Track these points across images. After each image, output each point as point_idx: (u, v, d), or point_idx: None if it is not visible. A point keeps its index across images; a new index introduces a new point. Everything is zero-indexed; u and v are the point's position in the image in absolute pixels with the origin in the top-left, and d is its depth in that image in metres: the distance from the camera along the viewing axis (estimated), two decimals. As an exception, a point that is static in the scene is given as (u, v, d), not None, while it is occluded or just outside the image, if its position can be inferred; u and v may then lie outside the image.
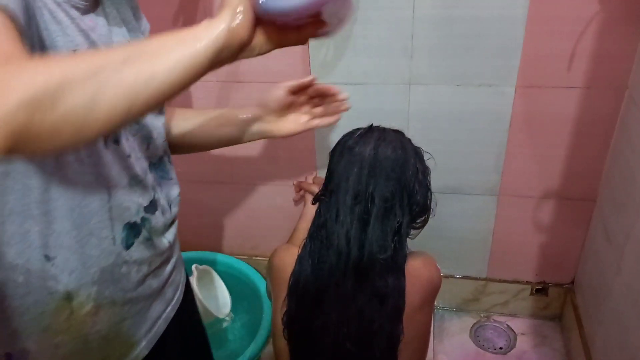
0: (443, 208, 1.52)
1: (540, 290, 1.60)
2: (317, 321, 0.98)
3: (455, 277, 1.65)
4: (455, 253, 1.61)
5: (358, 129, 1.04)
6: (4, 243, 0.67)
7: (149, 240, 0.79)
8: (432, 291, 1.00)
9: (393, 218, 0.95)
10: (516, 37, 1.22)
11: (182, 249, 1.74)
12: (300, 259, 0.99)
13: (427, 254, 1.07)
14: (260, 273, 1.58)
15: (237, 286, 1.55)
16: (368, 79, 1.35)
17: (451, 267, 1.64)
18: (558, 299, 1.61)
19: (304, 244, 1.00)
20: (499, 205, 1.48)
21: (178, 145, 0.96)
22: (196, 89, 1.45)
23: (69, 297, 0.72)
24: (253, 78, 1.40)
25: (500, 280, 1.62)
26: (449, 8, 1.22)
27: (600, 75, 1.24)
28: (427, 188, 1.00)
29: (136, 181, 0.76)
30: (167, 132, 0.90)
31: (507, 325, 1.65)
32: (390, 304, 0.95)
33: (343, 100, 1.03)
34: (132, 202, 0.76)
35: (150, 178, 0.80)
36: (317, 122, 1.01)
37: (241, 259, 1.74)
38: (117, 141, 0.73)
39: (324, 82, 1.35)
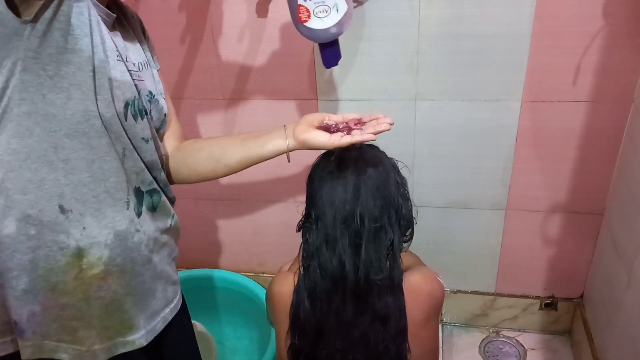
0: (450, 223, 1.52)
1: (550, 304, 1.59)
2: (323, 352, 0.96)
3: (464, 292, 1.64)
4: (463, 268, 1.60)
5: (332, 151, 0.94)
6: (18, 190, 0.69)
7: (155, 212, 0.83)
8: (435, 306, 0.99)
9: (384, 237, 0.93)
10: (521, 52, 1.23)
11: (188, 267, 1.77)
12: (297, 291, 0.97)
13: (428, 269, 1.05)
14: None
15: (244, 302, 1.55)
16: (374, 95, 1.36)
17: (459, 282, 1.63)
18: (567, 314, 1.60)
19: (299, 275, 0.98)
20: (507, 219, 1.48)
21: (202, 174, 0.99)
22: (202, 107, 1.46)
23: (79, 254, 0.74)
24: (260, 96, 1.41)
25: (508, 295, 1.61)
26: (454, 25, 1.23)
27: (605, 89, 1.24)
28: (408, 199, 0.98)
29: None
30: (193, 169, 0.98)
31: (517, 341, 1.64)
32: (393, 325, 0.93)
33: (385, 121, 0.92)
34: (147, 172, 0.81)
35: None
36: (349, 138, 0.89)
37: (248, 276, 1.73)
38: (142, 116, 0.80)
39: (329, 98, 1.38)
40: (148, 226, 0.82)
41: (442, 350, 1.62)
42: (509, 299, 1.62)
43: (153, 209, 0.83)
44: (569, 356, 1.58)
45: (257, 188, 1.58)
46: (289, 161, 0.95)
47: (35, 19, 0.64)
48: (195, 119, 1.48)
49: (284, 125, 0.95)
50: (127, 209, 0.77)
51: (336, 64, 0.99)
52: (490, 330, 1.68)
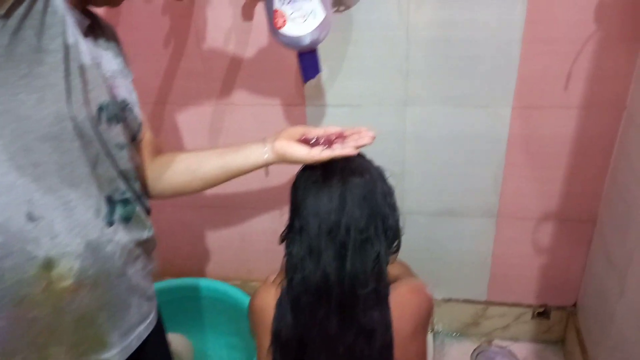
0: (441, 230, 1.50)
1: (542, 313, 1.57)
2: None
3: (455, 301, 1.61)
4: (454, 276, 1.57)
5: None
6: None
7: (128, 223, 0.79)
8: (423, 319, 0.95)
9: (370, 248, 0.89)
10: (512, 57, 1.21)
11: (175, 275, 1.74)
12: (279, 304, 0.94)
13: (415, 280, 1.02)
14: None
15: (230, 312, 1.51)
16: (363, 100, 1.33)
17: (450, 291, 1.61)
18: (560, 323, 1.58)
19: (281, 288, 0.96)
20: (498, 227, 1.46)
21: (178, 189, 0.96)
22: (188, 113, 1.43)
23: (49, 264, 0.70)
24: (246, 101, 1.38)
25: (500, 304, 1.59)
26: (444, 30, 1.20)
27: (597, 95, 1.22)
28: (395, 209, 0.96)
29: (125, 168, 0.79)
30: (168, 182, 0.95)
31: (509, 350, 1.61)
32: (379, 340, 0.90)
33: (367, 135, 0.92)
34: (121, 180, 0.78)
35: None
36: (329, 152, 0.89)
37: (236, 283, 1.70)
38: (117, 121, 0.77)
39: (317, 104, 1.35)
40: (122, 237, 0.78)
41: (434, 359, 1.60)
42: (501, 308, 1.59)
43: (127, 219, 0.80)
44: (561, 366, 1.56)
45: (245, 195, 1.55)
46: (267, 175, 0.94)
47: (7, 15, 0.61)
48: (180, 125, 1.45)
49: (264, 138, 0.93)
50: (97, 217, 0.74)
51: (314, 76, 0.96)
52: (482, 340, 1.65)
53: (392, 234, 0.94)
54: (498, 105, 1.28)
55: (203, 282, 1.58)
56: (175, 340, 1.51)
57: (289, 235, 0.94)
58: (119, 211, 0.78)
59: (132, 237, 0.81)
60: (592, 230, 1.40)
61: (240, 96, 1.38)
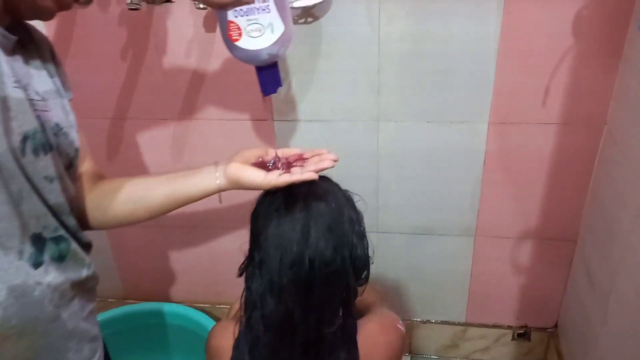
0: (417, 250, 1.43)
1: (523, 334, 1.51)
2: None
3: (432, 322, 1.55)
4: (431, 297, 1.51)
5: None
6: None
7: (63, 262, 0.71)
8: (394, 357, 0.89)
9: (337, 282, 0.82)
10: (487, 72, 1.16)
11: (139, 298, 1.64)
12: (236, 346, 0.87)
13: (387, 314, 0.95)
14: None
15: (196, 340, 1.42)
16: (334, 115, 1.27)
17: (427, 312, 1.54)
18: (541, 344, 1.52)
19: (240, 327, 0.88)
20: (476, 246, 1.40)
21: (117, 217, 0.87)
22: (149, 129, 1.35)
23: None
24: (211, 116, 1.31)
25: (480, 325, 1.53)
26: (417, 43, 1.15)
27: (577, 111, 1.17)
28: (364, 237, 0.87)
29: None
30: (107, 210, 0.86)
31: (489, 373, 1.55)
32: None
33: (329, 158, 0.84)
34: (52, 216, 0.69)
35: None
36: (287, 177, 0.80)
37: (206, 307, 1.62)
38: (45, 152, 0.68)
39: (287, 119, 1.28)
40: (53, 278, 0.70)
41: (411, 383, 1.54)
42: (480, 329, 1.53)
43: (60, 258, 0.71)
44: (542, 389, 1.51)
45: (212, 214, 1.47)
46: (220, 202, 0.86)
47: None
48: (140, 141, 1.37)
49: (216, 163, 0.85)
50: (20, 259, 0.66)
51: (274, 91, 0.89)
52: (461, 362, 1.59)
53: (360, 264, 0.87)
54: (474, 121, 1.22)
55: (167, 307, 1.50)
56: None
57: (248, 268, 0.86)
58: (49, 250, 0.70)
59: (67, 277, 0.73)
60: (573, 249, 1.35)
61: (204, 111, 1.31)
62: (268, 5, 0.81)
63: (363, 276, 0.89)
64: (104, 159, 1.41)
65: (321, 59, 1.20)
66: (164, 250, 1.57)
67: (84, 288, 0.77)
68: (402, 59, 1.17)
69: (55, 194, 0.70)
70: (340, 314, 0.84)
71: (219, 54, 1.22)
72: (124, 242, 1.58)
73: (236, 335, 0.88)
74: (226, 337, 0.88)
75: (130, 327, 1.50)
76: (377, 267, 0.93)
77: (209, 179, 0.83)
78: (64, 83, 0.80)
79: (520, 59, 1.13)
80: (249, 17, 0.80)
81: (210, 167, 0.85)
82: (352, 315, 0.86)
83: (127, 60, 1.26)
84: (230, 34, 0.81)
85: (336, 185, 0.90)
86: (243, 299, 0.87)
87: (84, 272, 0.76)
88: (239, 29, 0.81)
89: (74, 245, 0.74)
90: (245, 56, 0.83)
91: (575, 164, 1.24)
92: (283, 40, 0.82)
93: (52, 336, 0.70)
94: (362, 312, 1.03)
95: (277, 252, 0.81)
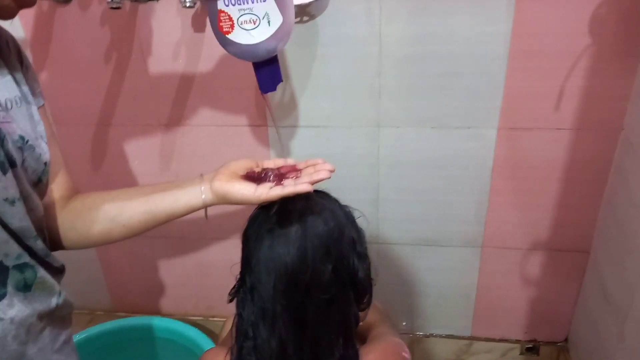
0: (420, 261, 1.36)
1: (531, 349, 1.44)
2: None
3: (437, 337, 1.48)
4: (435, 310, 1.44)
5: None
6: None
7: (29, 292, 0.63)
8: None
9: (336, 310, 0.75)
10: (497, 74, 1.08)
11: (128, 311, 1.57)
12: None
13: (389, 340, 0.87)
14: (212, 338, 1.38)
15: (187, 354, 1.35)
16: (331, 121, 1.19)
17: (431, 326, 1.47)
18: (550, 359, 1.45)
19: (230, 358, 0.80)
20: (483, 257, 1.32)
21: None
22: (136, 137, 1.27)
23: None
24: (200, 122, 1.23)
25: (486, 339, 1.46)
26: (420, 44, 1.07)
27: (592, 116, 1.10)
28: (366, 258, 0.80)
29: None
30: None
31: (495, 388, 1.48)
32: None
33: (324, 169, 0.77)
34: (14, 242, 0.62)
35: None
36: (279, 191, 0.73)
37: (197, 320, 1.55)
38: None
39: (282, 125, 1.21)
40: (18, 311, 0.62)
41: (414, 400, 1.46)
42: (487, 344, 1.46)
43: (26, 287, 0.63)
44: (552, 405, 1.44)
45: (203, 224, 1.39)
46: (206, 218, 0.79)
47: None
48: (126, 149, 1.29)
49: (201, 175, 0.78)
50: None
51: (274, 88, 0.80)
52: (467, 377, 1.52)
53: (362, 289, 0.79)
54: (482, 127, 1.14)
55: (157, 321, 1.42)
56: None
57: (239, 293, 0.79)
58: (14, 279, 0.62)
59: (34, 309, 0.65)
60: (586, 261, 1.28)
61: (193, 117, 1.23)
62: None
63: (365, 300, 0.81)
64: (88, 168, 1.33)
65: (317, 61, 1.12)
66: (153, 262, 1.50)
67: (54, 317, 0.69)
68: (404, 60, 1.09)
69: (18, 218, 0.62)
70: (341, 343, 0.77)
71: (209, 56, 1.14)
72: (111, 254, 1.50)
73: None
74: None
75: (117, 341, 1.42)
76: (377, 279, 0.86)
77: (193, 194, 0.76)
78: (33, 89, 0.71)
79: (533, 60, 1.05)
80: (241, 7, 0.70)
81: (194, 181, 0.77)
82: (353, 345, 0.78)
83: (110, 63, 1.18)
84: (221, 26, 0.72)
85: (335, 201, 0.82)
86: (234, 327, 0.80)
87: (54, 301, 0.68)
88: (230, 19, 0.71)
89: (42, 272, 0.66)
90: (239, 51, 0.74)
91: (589, 172, 1.16)
92: (281, 34, 0.73)
93: None
94: (363, 334, 0.96)
95: (270, 277, 0.73)
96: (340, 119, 1.19)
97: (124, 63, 1.17)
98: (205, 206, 0.77)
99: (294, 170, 0.78)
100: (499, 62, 1.07)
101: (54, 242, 0.77)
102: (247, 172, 0.77)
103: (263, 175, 0.76)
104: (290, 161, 0.79)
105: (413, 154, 1.20)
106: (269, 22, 0.72)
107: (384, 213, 1.29)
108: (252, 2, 0.71)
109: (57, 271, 0.71)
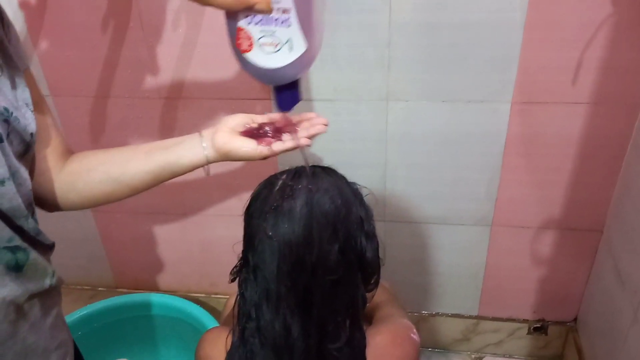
0: (428, 240, 1.33)
1: (539, 328, 1.41)
2: None
3: (443, 315, 1.45)
4: (442, 289, 1.41)
5: (280, 174, 0.76)
6: None
7: (20, 273, 0.61)
8: None
9: (343, 291, 0.72)
10: (512, 45, 1.03)
11: (130, 287, 1.55)
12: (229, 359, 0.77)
13: (397, 322, 0.84)
14: (215, 316, 1.35)
15: (189, 331, 1.33)
16: (338, 94, 1.14)
17: (438, 304, 1.44)
18: (559, 339, 1.43)
19: (232, 339, 0.78)
20: (492, 236, 1.29)
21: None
22: (135, 109, 1.23)
23: None
24: (202, 94, 1.19)
25: (493, 319, 1.43)
26: (433, 11, 1.01)
27: (611, 89, 1.05)
28: (374, 237, 0.77)
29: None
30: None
31: (502, 368, 1.46)
32: None
33: (319, 122, 0.78)
34: (3, 224, 0.58)
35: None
36: (280, 146, 0.74)
37: (200, 298, 1.53)
38: None
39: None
40: (10, 291, 0.59)
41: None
42: (494, 323, 1.44)
43: (17, 267, 0.60)
44: (559, 385, 1.42)
45: (204, 199, 1.36)
46: (208, 175, 0.78)
47: None
48: (126, 122, 1.25)
49: (200, 132, 0.76)
50: None
51: (290, 108, 0.74)
52: (473, 357, 1.50)
53: (370, 269, 0.76)
54: (495, 101, 1.10)
55: (159, 298, 1.40)
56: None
57: (242, 273, 0.76)
58: (4, 258, 0.58)
59: (27, 289, 0.61)
60: (599, 239, 1.24)
61: (194, 89, 1.18)
62: (289, 18, 0.63)
63: (373, 281, 0.78)
64: (87, 141, 1.29)
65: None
66: (155, 238, 1.47)
67: (46, 296, 0.66)
68: (416, 30, 1.04)
69: (8, 198, 0.58)
70: (347, 325, 0.74)
71: (210, 25, 1.09)
72: (112, 230, 1.47)
73: (228, 348, 0.77)
74: (217, 348, 0.79)
75: (119, 317, 1.41)
76: (384, 258, 0.83)
77: (195, 151, 0.75)
78: (16, 50, 0.65)
79: (550, 31, 1.00)
80: (263, 28, 0.64)
81: (195, 138, 0.76)
82: (360, 327, 0.76)
83: (107, 33, 1.13)
84: (239, 43, 0.65)
85: (342, 178, 0.78)
86: (236, 307, 0.77)
87: (47, 282, 0.65)
88: (249, 38, 0.65)
89: (34, 254, 0.62)
90: (256, 74, 0.67)
91: (606, 148, 1.12)
92: (303, 62, 0.66)
93: (7, 356, 0.60)
94: (370, 314, 0.93)
95: (274, 257, 0.70)
96: (347, 92, 1.14)
97: (122, 32, 1.12)
98: (208, 163, 0.76)
99: (290, 124, 0.76)
100: (514, 33, 1.02)
101: (51, 205, 0.75)
102: (246, 129, 0.75)
103: (262, 131, 0.75)
104: (282, 114, 0.77)
105: (423, 129, 1.16)
106: (291, 47, 0.65)
107: (391, 190, 1.25)
108: (275, 25, 0.63)
109: (48, 248, 0.68)
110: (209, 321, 1.29)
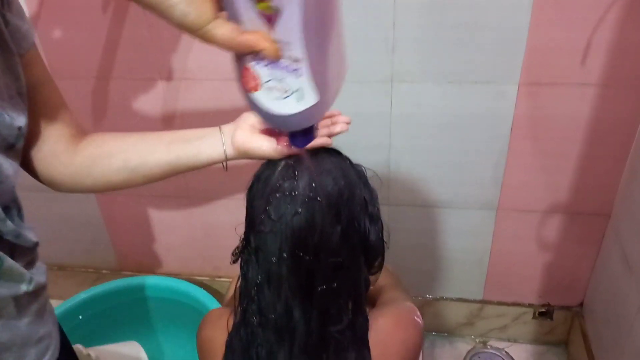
0: (433, 224, 1.32)
1: (544, 313, 1.41)
2: None
3: (447, 299, 1.45)
4: (447, 273, 1.40)
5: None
6: None
7: None
8: (411, 356, 0.77)
9: (345, 274, 0.70)
10: (520, 25, 1.01)
11: (133, 269, 1.55)
12: (229, 342, 0.76)
13: (400, 305, 0.83)
14: (218, 299, 1.35)
15: (191, 314, 1.33)
16: (342, 76, 1.12)
17: (443, 289, 1.44)
18: (564, 324, 1.42)
19: (234, 320, 0.77)
20: (498, 220, 1.28)
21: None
22: (136, 90, 1.21)
23: None
24: (205, 75, 1.17)
25: (498, 303, 1.42)
26: (438, -10, 0.99)
27: (620, 71, 1.03)
28: (378, 220, 0.75)
29: None
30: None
31: (506, 352, 1.45)
32: None
33: (342, 121, 0.75)
34: None
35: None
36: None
37: (203, 281, 1.53)
38: None
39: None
40: None
41: (422, 362, 1.44)
42: (499, 307, 1.43)
43: None
44: (564, 370, 1.41)
45: (207, 183, 1.35)
46: (226, 170, 0.75)
47: None
48: (128, 103, 1.24)
49: (220, 127, 0.74)
50: None
51: (303, 147, 0.70)
52: (477, 341, 1.50)
53: (373, 253, 0.75)
54: (502, 82, 1.08)
55: (162, 281, 1.40)
56: (127, 349, 1.34)
57: (244, 254, 0.75)
58: None
59: (2, 293, 0.58)
60: (606, 224, 1.23)
61: (198, 70, 1.17)
62: (300, 68, 0.55)
63: (376, 264, 0.77)
64: (89, 123, 1.28)
65: (328, 10, 1.05)
66: (158, 221, 1.47)
67: (26, 302, 0.63)
68: (421, 10, 1.02)
69: None
70: (350, 308, 0.73)
71: (212, 5, 1.08)
72: (116, 213, 1.47)
73: (230, 329, 0.77)
74: (219, 329, 0.78)
75: (123, 299, 1.41)
76: (389, 242, 0.82)
77: (215, 147, 0.73)
78: (15, 34, 0.60)
79: (559, 10, 0.98)
80: (271, 72, 0.57)
81: (214, 133, 0.74)
82: (362, 310, 0.75)
83: (108, 12, 1.11)
84: (245, 81, 0.59)
85: (346, 159, 0.77)
86: (237, 289, 0.76)
87: (23, 288, 0.61)
88: (255, 79, 0.58)
89: (9, 262, 0.58)
90: (264, 117, 0.61)
91: (615, 131, 1.10)
92: (314, 113, 0.60)
93: None
94: (373, 297, 0.92)
95: (276, 239, 0.69)
96: (350, 73, 1.10)
97: (122, 11, 1.11)
98: (226, 160, 0.75)
99: None
100: (522, 12, 0.99)
101: (60, 187, 0.74)
102: (266, 126, 0.73)
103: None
104: None
105: (428, 111, 1.14)
106: (300, 97, 0.57)
107: (395, 173, 1.24)
108: (285, 71, 0.56)
109: (29, 250, 0.65)
110: (212, 304, 1.29)
